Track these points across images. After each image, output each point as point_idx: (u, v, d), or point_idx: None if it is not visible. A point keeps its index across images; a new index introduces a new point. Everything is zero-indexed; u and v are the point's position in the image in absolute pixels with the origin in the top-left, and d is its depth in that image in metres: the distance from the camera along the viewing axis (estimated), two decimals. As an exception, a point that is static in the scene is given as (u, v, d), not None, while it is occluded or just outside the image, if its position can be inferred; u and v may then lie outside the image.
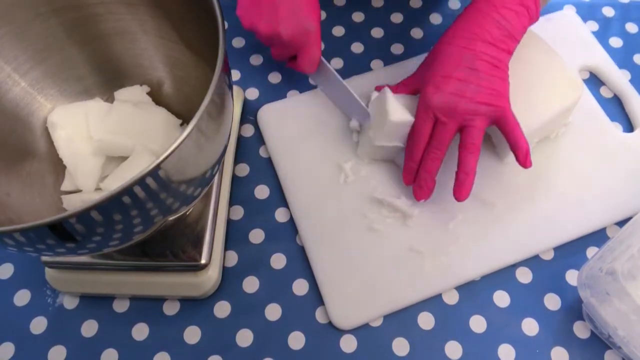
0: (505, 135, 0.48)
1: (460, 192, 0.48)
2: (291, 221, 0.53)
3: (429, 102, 0.47)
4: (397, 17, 0.66)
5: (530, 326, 0.49)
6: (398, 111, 0.49)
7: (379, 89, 0.55)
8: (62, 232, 0.33)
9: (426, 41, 0.64)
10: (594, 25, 0.65)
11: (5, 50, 0.46)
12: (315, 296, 0.50)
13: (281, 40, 0.50)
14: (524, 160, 0.47)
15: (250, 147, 0.58)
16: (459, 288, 0.50)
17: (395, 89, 0.53)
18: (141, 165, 0.45)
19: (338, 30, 0.65)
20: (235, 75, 0.62)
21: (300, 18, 0.50)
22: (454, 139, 0.49)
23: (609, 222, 0.53)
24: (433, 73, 0.48)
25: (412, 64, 0.60)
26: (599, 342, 0.48)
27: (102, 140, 0.49)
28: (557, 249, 0.52)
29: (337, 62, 0.62)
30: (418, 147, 0.49)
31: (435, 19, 0.66)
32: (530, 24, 0.49)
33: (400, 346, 0.48)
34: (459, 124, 0.47)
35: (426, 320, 0.49)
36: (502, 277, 0.51)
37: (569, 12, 0.64)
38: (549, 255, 0.52)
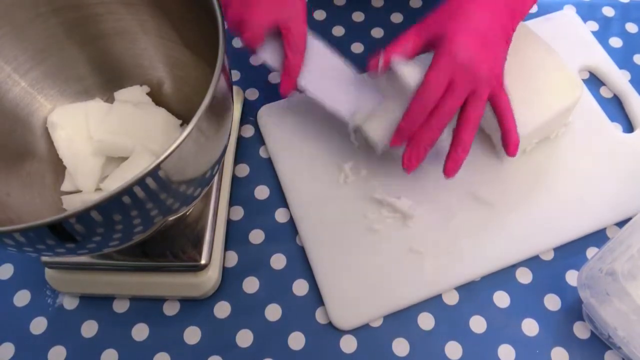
0: (498, 115, 0.45)
1: (454, 169, 0.45)
2: (291, 221, 0.53)
3: (457, 53, 0.41)
4: (397, 17, 0.66)
5: (530, 326, 0.49)
6: (413, 75, 0.44)
7: (373, 65, 0.46)
8: (62, 232, 0.33)
9: (426, 41, 0.64)
10: (594, 25, 0.65)
11: (5, 50, 0.46)
12: (315, 296, 0.50)
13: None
14: (513, 150, 0.46)
15: (250, 147, 0.58)
16: (459, 288, 0.50)
17: (406, 38, 0.45)
18: (141, 165, 0.45)
19: (338, 30, 0.65)
20: (235, 75, 0.62)
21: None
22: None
23: (609, 222, 0.53)
24: (462, 26, 0.42)
25: (412, 64, 0.60)
26: (599, 342, 0.48)
27: (102, 140, 0.49)
28: (557, 249, 0.52)
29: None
30: (425, 103, 0.42)
31: (435, 19, 0.66)
32: (534, 2, 0.48)
33: (400, 346, 0.48)
34: (470, 91, 0.42)
35: (426, 321, 0.49)
36: (502, 277, 0.51)
37: (569, 12, 0.64)
38: (549, 256, 0.52)
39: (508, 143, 0.46)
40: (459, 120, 0.45)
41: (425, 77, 0.42)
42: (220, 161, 0.43)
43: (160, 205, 0.37)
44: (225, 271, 0.51)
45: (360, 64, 0.62)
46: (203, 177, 0.41)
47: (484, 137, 0.55)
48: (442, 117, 0.43)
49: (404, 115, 0.44)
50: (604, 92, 0.60)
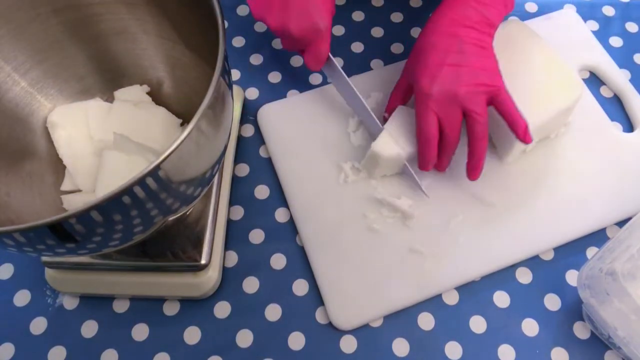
0: (502, 114, 0.47)
1: (474, 174, 0.49)
2: (291, 221, 0.53)
3: (428, 95, 0.46)
4: (397, 17, 0.66)
5: (530, 326, 0.49)
6: (386, 145, 0.50)
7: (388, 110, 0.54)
8: (62, 233, 0.33)
9: (426, 41, 0.64)
10: (594, 25, 0.65)
11: (5, 50, 0.46)
12: (315, 296, 0.50)
13: (291, 36, 0.49)
14: (523, 136, 0.47)
15: (250, 147, 0.58)
16: (459, 288, 0.50)
17: (389, 103, 0.53)
18: (141, 165, 0.45)
19: (338, 30, 0.65)
20: (235, 75, 0.62)
21: (311, 14, 0.48)
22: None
23: (609, 222, 0.52)
24: (423, 65, 0.47)
25: (412, 64, 0.60)
26: (599, 342, 0.48)
27: (102, 140, 0.49)
28: (557, 249, 0.52)
29: (337, 62, 0.62)
30: (430, 147, 0.48)
31: (436, 18, 0.65)
32: (506, 12, 0.49)
33: (400, 346, 0.48)
34: (462, 110, 0.46)
35: (426, 321, 0.49)
36: (502, 277, 0.51)
37: (569, 12, 0.64)
38: (549, 256, 0.52)
39: (516, 131, 0.47)
40: (467, 135, 0.48)
41: (416, 125, 0.48)
42: (220, 161, 0.43)
43: (160, 205, 0.37)
44: (225, 271, 0.51)
45: (361, 63, 0.62)
46: (203, 177, 0.41)
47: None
48: (449, 146, 0.48)
49: (419, 155, 0.49)
50: (604, 92, 0.60)
